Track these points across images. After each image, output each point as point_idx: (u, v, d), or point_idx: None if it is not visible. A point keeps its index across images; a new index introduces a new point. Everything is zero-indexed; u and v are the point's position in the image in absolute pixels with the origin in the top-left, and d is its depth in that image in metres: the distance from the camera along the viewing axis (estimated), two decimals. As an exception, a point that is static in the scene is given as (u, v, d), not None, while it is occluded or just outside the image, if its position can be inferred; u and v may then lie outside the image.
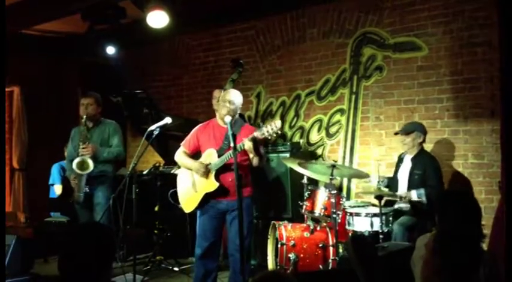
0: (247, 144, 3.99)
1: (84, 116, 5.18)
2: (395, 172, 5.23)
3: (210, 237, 4.32)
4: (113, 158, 5.26)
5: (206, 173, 4.23)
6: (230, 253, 4.33)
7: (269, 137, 3.93)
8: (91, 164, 5.00)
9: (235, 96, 4.31)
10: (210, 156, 4.27)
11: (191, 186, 4.36)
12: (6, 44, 4.21)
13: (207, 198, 4.27)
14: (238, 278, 4.21)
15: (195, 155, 4.44)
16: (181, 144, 4.52)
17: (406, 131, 5.05)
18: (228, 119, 4.02)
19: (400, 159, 5.21)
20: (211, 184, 4.21)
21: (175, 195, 4.67)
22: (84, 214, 5.16)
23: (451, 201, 2.80)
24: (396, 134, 5.22)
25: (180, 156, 4.48)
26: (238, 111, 4.38)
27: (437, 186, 4.85)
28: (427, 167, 4.89)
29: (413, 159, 5.02)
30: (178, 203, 4.57)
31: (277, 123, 3.85)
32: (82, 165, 5.01)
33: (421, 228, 4.71)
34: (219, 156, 4.20)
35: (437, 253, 2.23)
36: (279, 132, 3.91)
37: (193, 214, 5.03)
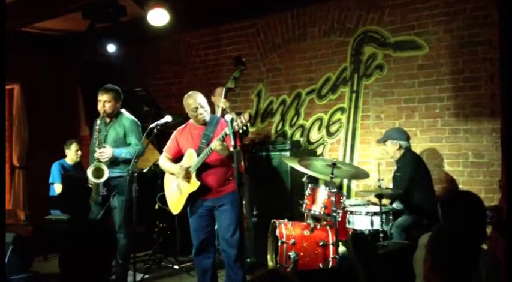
0: (215, 145, 4.04)
1: (102, 113, 4.96)
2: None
3: (200, 235, 4.39)
4: (132, 157, 4.85)
5: (187, 176, 4.27)
6: (222, 249, 4.38)
7: (240, 131, 3.93)
8: (106, 172, 4.81)
9: (201, 98, 4.35)
10: (190, 157, 4.32)
11: (176, 189, 4.42)
12: (6, 42, 4.20)
13: (193, 198, 4.32)
14: (233, 272, 4.28)
15: (179, 158, 4.46)
16: (164, 150, 4.58)
17: (381, 140, 5.23)
18: (228, 117, 4.01)
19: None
20: (193, 184, 4.25)
21: (163, 198, 4.69)
22: (97, 210, 5.03)
23: (458, 202, 2.80)
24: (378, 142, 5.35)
25: (162, 162, 4.54)
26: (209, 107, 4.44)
27: (402, 189, 4.92)
28: (403, 168, 5.04)
29: (397, 162, 5.16)
30: (167, 206, 4.60)
31: (245, 115, 3.87)
32: (97, 172, 4.84)
33: (419, 226, 4.75)
34: (198, 155, 4.24)
35: (431, 252, 2.24)
36: (248, 124, 3.98)
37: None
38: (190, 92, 4.44)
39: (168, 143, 4.55)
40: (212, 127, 4.33)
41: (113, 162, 4.93)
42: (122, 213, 4.87)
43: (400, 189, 4.92)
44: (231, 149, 3.88)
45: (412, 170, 4.99)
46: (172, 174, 4.44)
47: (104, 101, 4.95)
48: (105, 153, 4.84)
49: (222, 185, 4.27)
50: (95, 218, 4.92)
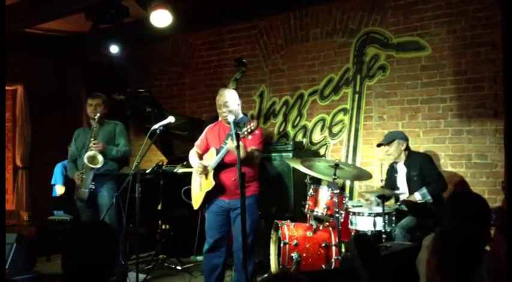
0: (230, 144, 4.05)
1: (98, 114, 5.17)
2: (391, 182, 5.21)
3: (215, 233, 4.40)
4: (121, 156, 5.28)
5: (204, 172, 4.30)
6: (234, 250, 4.39)
7: (249, 137, 3.98)
8: (101, 159, 5.00)
9: (229, 97, 4.35)
10: (211, 155, 4.36)
11: (198, 185, 4.45)
12: (6, 42, 4.22)
13: (211, 196, 4.34)
14: (241, 275, 4.26)
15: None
16: (195, 143, 4.62)
17: (387, 140, 5.13)
18: (231, 118, 4.03)
19: (394, 169, 5.21)
20: (209, 183, 4.28)
21: (187, 192, 4.72)
22: (87, 213, 5.15)
23: (463, 203, 2.80)
24: (379, 145, 5.27)
25: (190, 155, 4.59)
26: (240, 109, 4.40)
27: (438, 179, 4.91)
28: (422, 165, 4.96)
29: (406, 164, 5.08)
30: (191, 200, 4.63)
31: (254, 123, 3.92)
32: (93, 159, 5.02)
33: (423, 227, 4.73)
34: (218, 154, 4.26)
35: (436, 253, 2.23)
36: (257, 131, 4.03)
37: (196, 213, 5.06)
38: (223, 89, 4.47)
39: (199, 138, 4.61)
40: (238, 128, 4.30)
41: (104, 158, 5.08)
42: (108, 210, 4.92)
43: (433, 182, 4.84)
44: (248, 150, 4.06)
45: (430, 159, 5.00)
46: None
47: (96, 105, 5.23)
48: (99, 144, 5.06)
49: (239, 187, 4.24)
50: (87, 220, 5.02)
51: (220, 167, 4.26)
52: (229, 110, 4.30)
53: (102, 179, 5.14)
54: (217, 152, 4.28)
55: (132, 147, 5.55)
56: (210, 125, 4.62)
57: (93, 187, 5.07)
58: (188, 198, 4.72)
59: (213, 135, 4.48)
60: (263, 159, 5.87)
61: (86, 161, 5.01)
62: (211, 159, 4.32)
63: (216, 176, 4.25)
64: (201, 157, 4.50)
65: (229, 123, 4.28)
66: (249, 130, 3.90)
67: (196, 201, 4.46)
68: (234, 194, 4.26)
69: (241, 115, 4.46)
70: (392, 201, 5.18)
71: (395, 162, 5.19)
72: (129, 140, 5.37)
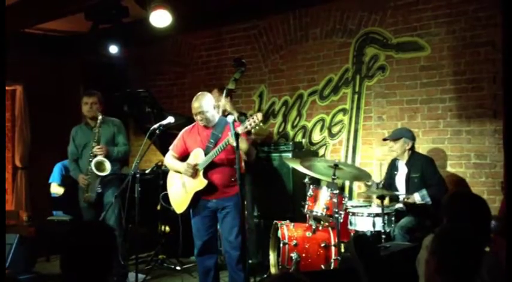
0: (232, 140, 4.02)
1: (101, 116, 5.10)
2: (390, 178, 5.22)
3: (203, 235, 4.40)
4: (122, 157, 5.26)
5: (194, 173, 4.28)
6: (225, 250, 4.40)
7: (252, 130, 3.96)
8: (108, 167, 4.97)
9: (204, 103, 4.31)
10: (197, 156, 4.33)
11: (181, 187, 4.42)
12: (6, 42, 4.22)
13: (197, 197, 4.33)
14: (235, 273, 4.28)
15: (185, 158, 4.46)
16: (170, 148, 4.59)
17: (394, 137, 5.10)
18: (230, 118, 4.03)
19: (394, 167, 5.21)
20: (200, 182, 4.26)
21: (166, 197, 4.71)
22: (90, 213, 5.11)
23: (463, 203, 2.79)
24: (385, 140, 5.26)
25: (169, 160, 4.55)
26: (216, 109, 4.45)
27: (439, 183, 4.89)
28: (424, 168, 4.93)
29: (407, 164, 5.06)
30: (170, 205, 4.60)
31: (258, 115, 3.88)
32: (99, 166, 4.98)
33: (421, 227, 4.73)
34: (206, 155, 4.25)
35: (436, 253, 2.24)
36: (261, 124, 3.94)
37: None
38: (199, 94, 4.41)
39: (175, 142, 4.56)
40: (221, 127, 4.33)
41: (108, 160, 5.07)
42: (114, 212, 4.94)
43: (434, 185, 4.82)
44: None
45: (432, 163, 4.98)
46: (178, 172, 4.43)
47: (91, 103, 5.16)
48: (102, 148, 5.02)
49: (228, 186, 4.26)
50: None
51: (209, 166, 4.25)
52: (206, 117, 4.31)
53: (108, 180, 5.09)
54: (206, 152, 4.27)
55: (131, 147, 5.52)
56: (186, 129, 4.56)
57: (100, 190, 5.02)
58: (167, 203, 4.70)
59: (192, 138, 4.44)
60: (263, 159, 5.89)
61: (93, 168, 4.96)
62: (198, 159, 4.30)
63: (204, 176, 4.25)
64: (180, 160, 4.46)
65: (207, 126, 4.35)
66: (252, 123, 3.86)
67: (181, 204, 4.42)
68: (222, 193, 4.27)
69: (218, 116, 4.47)
70: (387, 199, 5.16)
71: (397, 159, 5.18)
72: (128, 139, 5.31)
